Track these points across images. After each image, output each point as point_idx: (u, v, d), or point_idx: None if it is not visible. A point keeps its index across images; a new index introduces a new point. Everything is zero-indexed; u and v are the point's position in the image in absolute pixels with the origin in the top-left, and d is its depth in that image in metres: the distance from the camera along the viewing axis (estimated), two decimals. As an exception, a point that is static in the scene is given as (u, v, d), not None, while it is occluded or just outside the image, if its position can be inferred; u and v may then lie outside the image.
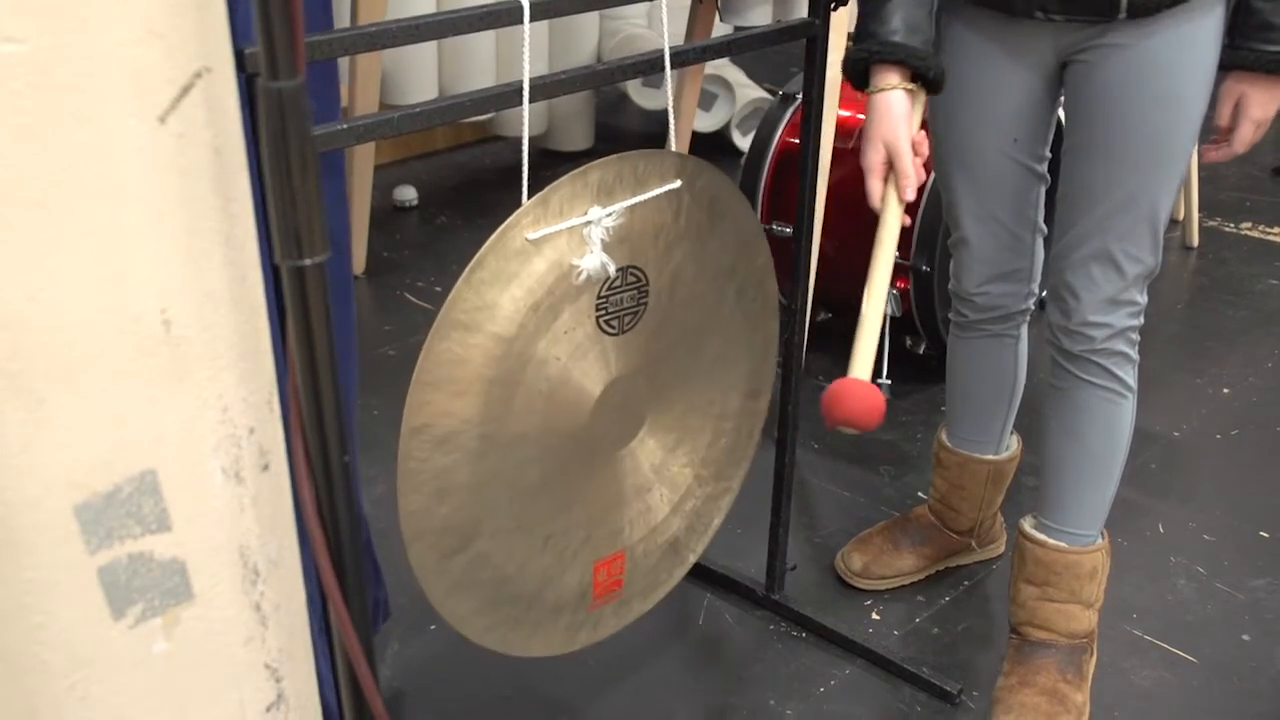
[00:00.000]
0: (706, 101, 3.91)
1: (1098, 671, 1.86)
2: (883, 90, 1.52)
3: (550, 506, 1.49)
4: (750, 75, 4.00)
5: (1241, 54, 1.52)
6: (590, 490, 1.54)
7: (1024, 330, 1.89)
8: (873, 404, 1.40)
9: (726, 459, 1.72)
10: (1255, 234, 3.45)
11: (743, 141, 3.87)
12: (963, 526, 2.05)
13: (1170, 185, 1.60)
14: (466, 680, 1.84)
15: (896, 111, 1.51)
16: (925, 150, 1.54)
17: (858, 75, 1.55)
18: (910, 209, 2.46)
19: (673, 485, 1.66)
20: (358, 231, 3.13)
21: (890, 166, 1.53)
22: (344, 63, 2.89)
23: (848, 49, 1.57)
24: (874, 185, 1.54)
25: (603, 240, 1.40)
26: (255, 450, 0.99)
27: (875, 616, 2.00)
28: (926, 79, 1.53)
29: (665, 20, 1.46)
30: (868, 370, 1.43)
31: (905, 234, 2.48)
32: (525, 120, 1.36)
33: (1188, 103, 1.55)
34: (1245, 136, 1.57)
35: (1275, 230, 3.47)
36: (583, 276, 1.39)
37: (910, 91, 1.53)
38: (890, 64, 1.52)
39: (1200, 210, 3.45)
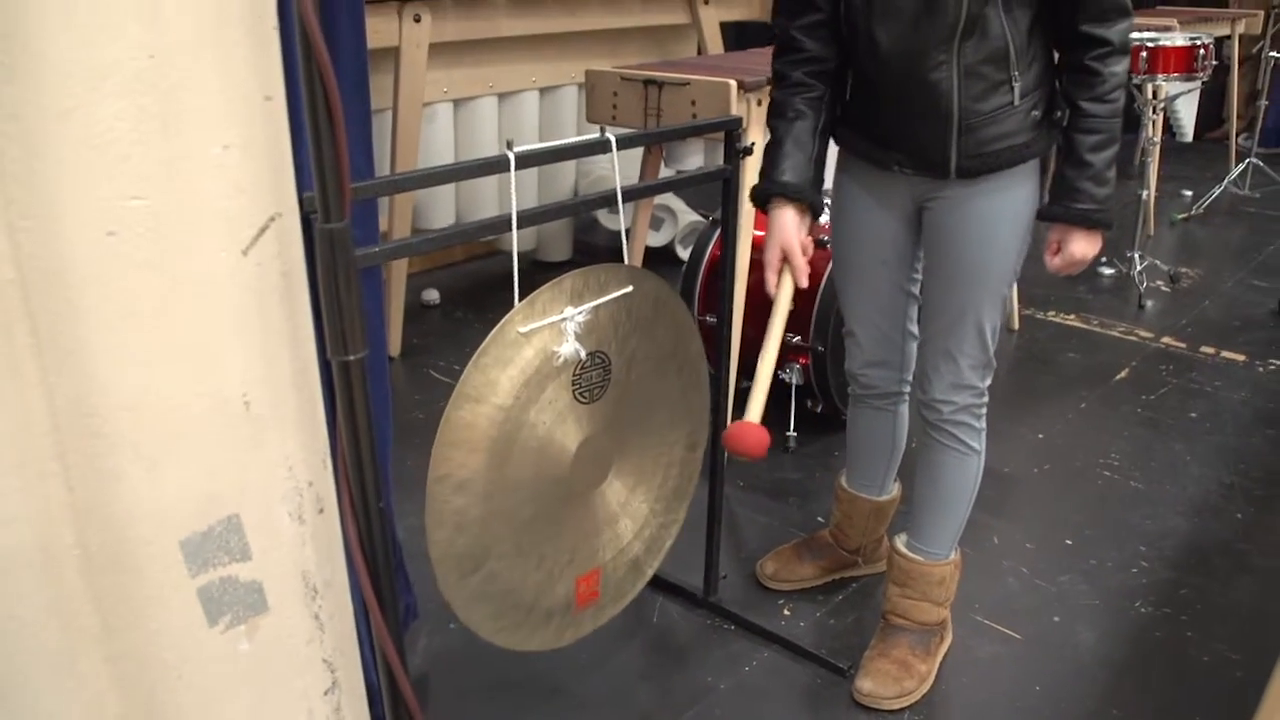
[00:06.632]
0: (656, 223, 3.94)
1: (950, 649, 1.87)
2: (778, 209, 1.59)
3: (542, 535, 1.48)
4: (689, 204, 4.05)
5: (1058, 209, 1.51)
6: (572, 521, 1.53)
7: (902, 407, 1.86)
8: (761, 439, 1.43)
9: (673, 496, 1.72)
10: (1057, 319, 3.51)
11: (684, 254, 3.90)
12: (851, 546, 2.04)
13: (993, 302, 1.59)
14: (481, 668, 1.82)
15: (788, 224, 1.58)
16: (810, 251, 1.58)
17: (761, 201, 1.61)
18: (808, 303, 2.51)
19: (634, 517, 1.65)
20: (394, 324, 3.13)
21: (785, 263, 1.58)
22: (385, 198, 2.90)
23: (754, 185, 1.62)
24: (770, 277, 1.59)
25: (575, 332, 1.41)
26: (313, 498, 0.99)
27: (787, 613, 1.99)
28: (809, 207, 1.59)
29: (616, 168, 1.48)
30: (758, 415, 1.45)
31: (805, 321, 2.51)
32: (514, 242, 1.37)
33: (1002, 243, 1.56)
34: (1064, 269, 1.55)
35: (1070, 317, 3.53)
36: (560, 360, 1.40)
37: (798, 210, 1.58)
38: (779, 196, 1.58)
39: (1020, 302, 3.51)
